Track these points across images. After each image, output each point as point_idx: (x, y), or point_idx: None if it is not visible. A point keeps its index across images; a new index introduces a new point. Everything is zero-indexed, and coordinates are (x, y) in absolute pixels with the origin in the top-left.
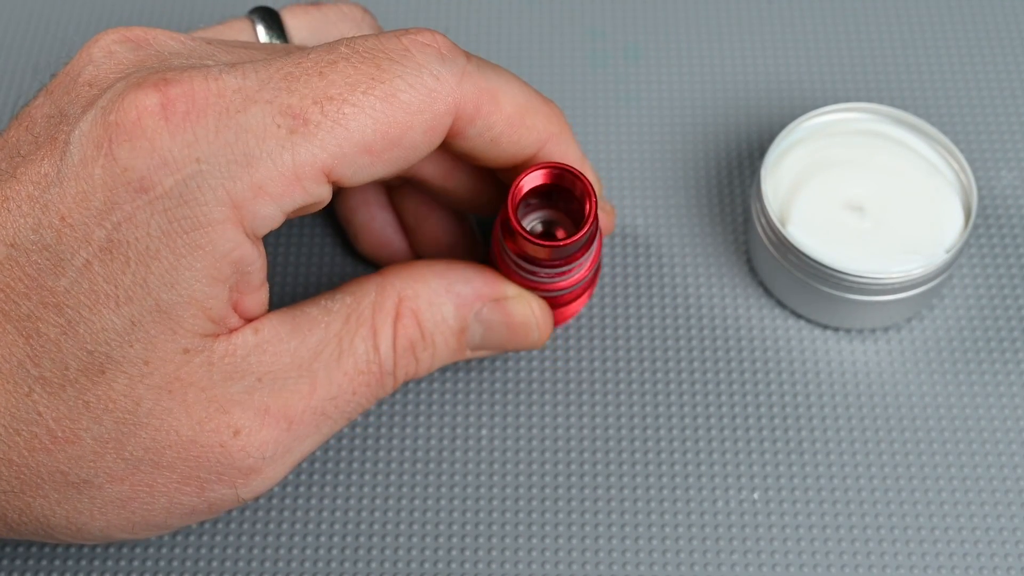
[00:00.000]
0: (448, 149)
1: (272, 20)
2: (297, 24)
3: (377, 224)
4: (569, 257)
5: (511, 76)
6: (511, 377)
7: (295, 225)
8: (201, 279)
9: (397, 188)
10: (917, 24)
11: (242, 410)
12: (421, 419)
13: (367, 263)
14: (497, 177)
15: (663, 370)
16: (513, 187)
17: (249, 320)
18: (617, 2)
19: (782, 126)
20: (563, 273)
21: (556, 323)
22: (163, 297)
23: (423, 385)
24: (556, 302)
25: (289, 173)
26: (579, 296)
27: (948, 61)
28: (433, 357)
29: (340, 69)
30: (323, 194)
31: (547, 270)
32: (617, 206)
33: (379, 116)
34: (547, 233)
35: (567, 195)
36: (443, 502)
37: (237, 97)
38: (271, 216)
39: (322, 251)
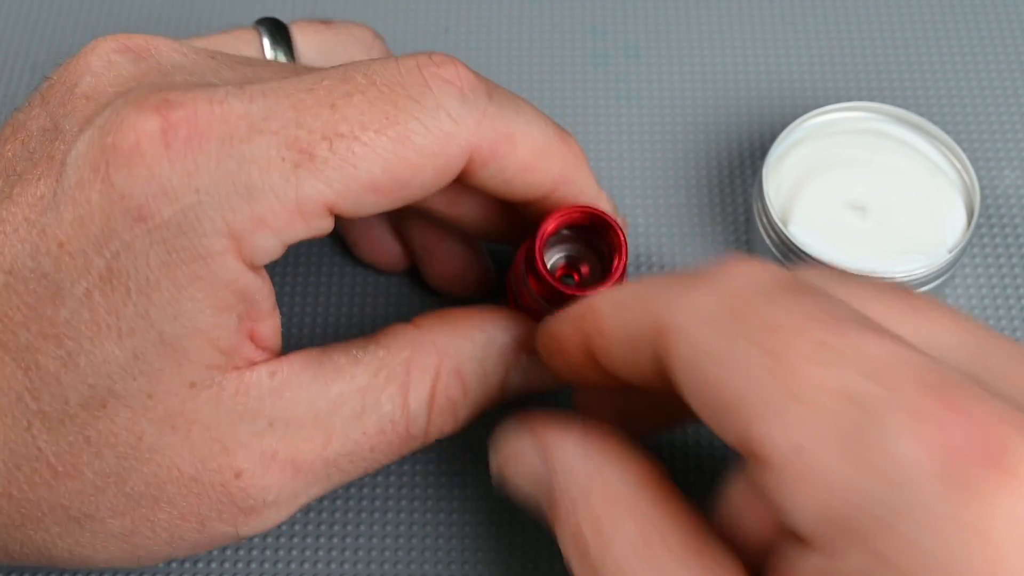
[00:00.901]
0: (457, 181)
1: (280, 34)
2: (306, 41)
3: (375, 232)
4: None
5: (532, 115)
6: None
7: None
8: (205, 310)
9: (404, 219)
10: (919, 23)
11: (247, 452)
12: None
13: (366, 266)
14: (508, 204)
15: None
16: (540, 230)
17: (265, 349)
18: (618, 1)
19: (784, 125)
20: None
21: None
22: (167, 329)
23: None
24: None
25: (292, 207)
26: None
27: (951, 60)
28: (472, 414)
29: (354, 103)
30: (325, 227)
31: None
32: (618, 205)
33: (390, 157)
34: (571, 266)
35: (595, 232)
36: (443, 503)
37: (242, 124)
38: (271, 248)
39: (320, 257)
